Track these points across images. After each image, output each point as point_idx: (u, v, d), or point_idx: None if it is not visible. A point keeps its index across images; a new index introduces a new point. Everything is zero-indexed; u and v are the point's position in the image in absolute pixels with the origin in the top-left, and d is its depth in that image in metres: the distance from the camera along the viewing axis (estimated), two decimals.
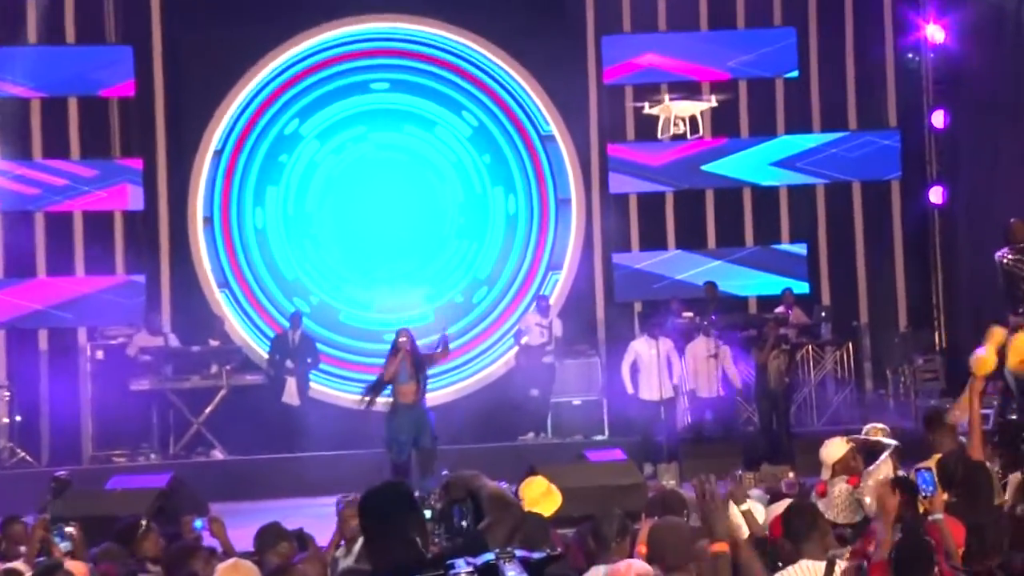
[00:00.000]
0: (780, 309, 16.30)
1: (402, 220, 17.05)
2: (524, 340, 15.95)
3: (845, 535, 6.78)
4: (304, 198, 17.02)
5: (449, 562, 2.76)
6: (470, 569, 2.65)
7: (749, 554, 5.42)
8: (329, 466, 13.84)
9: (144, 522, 8.07)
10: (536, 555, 2.73)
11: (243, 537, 8.23)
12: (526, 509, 6.96)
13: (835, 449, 7.97)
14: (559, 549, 3.17)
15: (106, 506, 10.39)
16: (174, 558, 6.75)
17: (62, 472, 9.86)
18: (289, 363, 15.41)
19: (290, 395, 15.33)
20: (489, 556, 2.67)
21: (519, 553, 2.67)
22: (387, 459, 12.95)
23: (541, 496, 7.64)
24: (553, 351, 15.83)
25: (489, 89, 17.31)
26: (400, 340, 12.92)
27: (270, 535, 7.61)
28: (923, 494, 6.30)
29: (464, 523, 3.94)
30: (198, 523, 8.17)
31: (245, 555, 7.52)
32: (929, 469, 6.58)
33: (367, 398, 12.82)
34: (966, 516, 6.55)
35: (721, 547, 4.04)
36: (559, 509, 7.97)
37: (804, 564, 5.96)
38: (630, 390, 14.73)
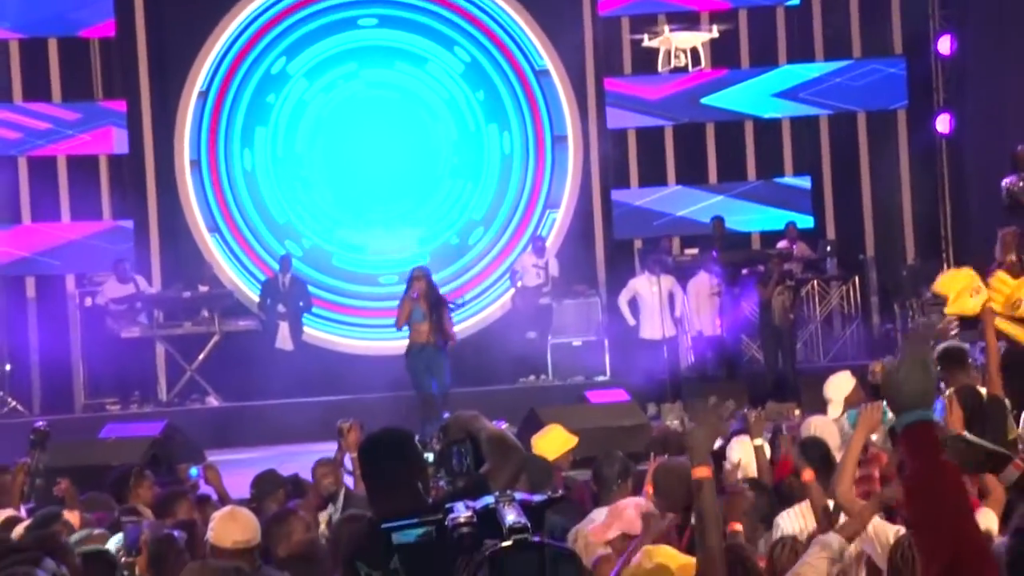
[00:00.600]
0: (784, 244, 16.20)
1: (395, 160, 16.89)
2: (520, 283, 15.84)
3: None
4: (294, 139, 16.83)
5: (448, 506, 2.68)
6: (469, 513, 2.59)
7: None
8: (325, 411, 13.76)
9: (137, 470, 8.02)
10: (536, 498, 2.67)
11: (239, 484, 8.18)
12: (543, 454, 6.92)
13: (844, 383, 7.86)
14: (560, 492, 3.09)
15: (100, 455, 10.38)
16: (161, 504, 6.72)
17: (41, 423, 9.79)
18: (281, 307, 15.30)
19: (283, 340, 15.25)
20: (488, 499, 2.59)
21: (519, 496, 2.60)
22: (387, 403, 12.98)
23: (562, 445, 7.60)
24: (550, 292, 15.72)
25: (481, 23, 17.08)
26: (415, 280, 12.57)
27: (267, 482, 7.58)
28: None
29: (463, 465, 3.87)
30: (193, 471, 8.15)
31: (241, 502, 7.47)
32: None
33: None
34: None
35: (703, 472, 3.92)
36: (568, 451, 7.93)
37: None
38: (631, 322, 14.66)
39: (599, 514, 6.32)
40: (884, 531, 5.15)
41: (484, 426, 4.12)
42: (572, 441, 7.80)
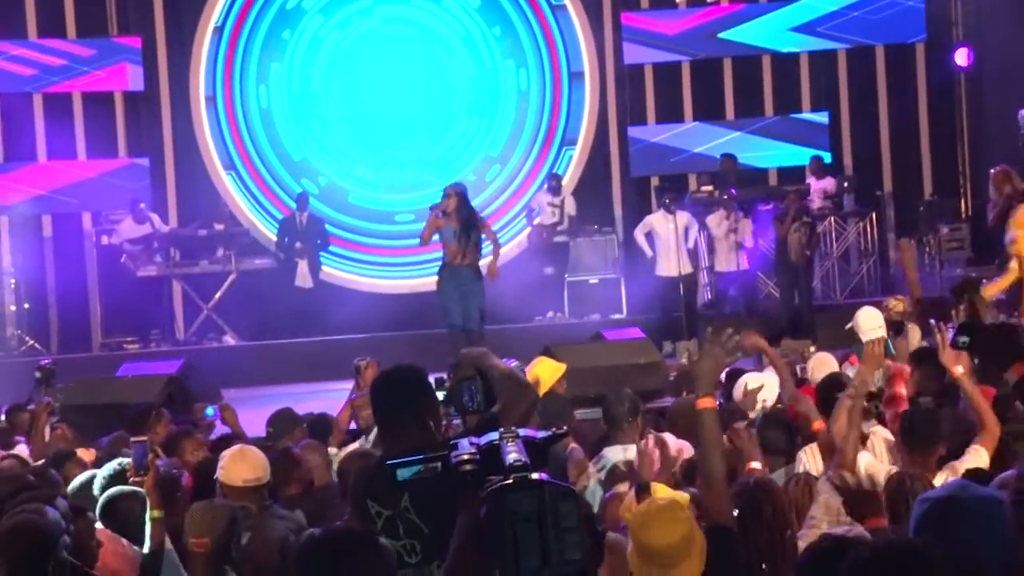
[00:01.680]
0: (811, 180, 16.11)
1: (411, 97, 16.85)
2: (537, 220, 15.85)
3: (868, 407, 6.74)
4: (309, 75, 16.79)
5: (453, 442, 2.73)
6: (473, 450, 2.62)
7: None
8: (341, 350, 13.84)
9: (156, 409, 8.11)
10: (540, 434, 2.70)
11: (256, 422, 8.28)
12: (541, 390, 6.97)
13: (873, 319, 7.84)
14: (564, 428, 3.12)
15: (117, 393, 10.41)
16: (167, 445, 6.81)
17: (46, 360, 9.89)
18: (299, 245, 15.35)
19: (303, 278, 15.30)
20: (493, 436, 2.63)
21: (522, 432, 2.64)
22: (404, 341, 12.99)
23: (552, 375, 7.66)
24: (566, 230, 15.74)
25: None
26: (447, 196, 11.59)
27: (284, 420, 7.65)
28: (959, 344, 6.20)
29: (473, 402, 3.91)
30: (209, 410, 8.22)
31: (257, 441, 7.57)
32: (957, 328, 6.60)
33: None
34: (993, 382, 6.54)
35: (706, 402, 3.96)
36: (570, 388, 7.99)
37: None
38: (648, 253, 14.67)
39: (613, 452, 6.40)
40: (875, 471, 5.21)
41: (495, 364, 4.13)
42: (560, 369, 7.85)
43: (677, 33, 17.01)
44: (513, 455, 2.47)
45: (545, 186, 16.06)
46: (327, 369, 13.30)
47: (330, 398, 11.25)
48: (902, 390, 6.49)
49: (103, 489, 5.42)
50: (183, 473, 5.79)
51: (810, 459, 5.76)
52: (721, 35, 17.06)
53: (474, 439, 2.64)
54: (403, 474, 2.78)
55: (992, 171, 12.47)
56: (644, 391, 7.53)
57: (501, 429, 2.60)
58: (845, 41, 17.16)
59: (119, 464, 5.58)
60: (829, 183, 16.29)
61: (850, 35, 17.12)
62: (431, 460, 2.77)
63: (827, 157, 16.91)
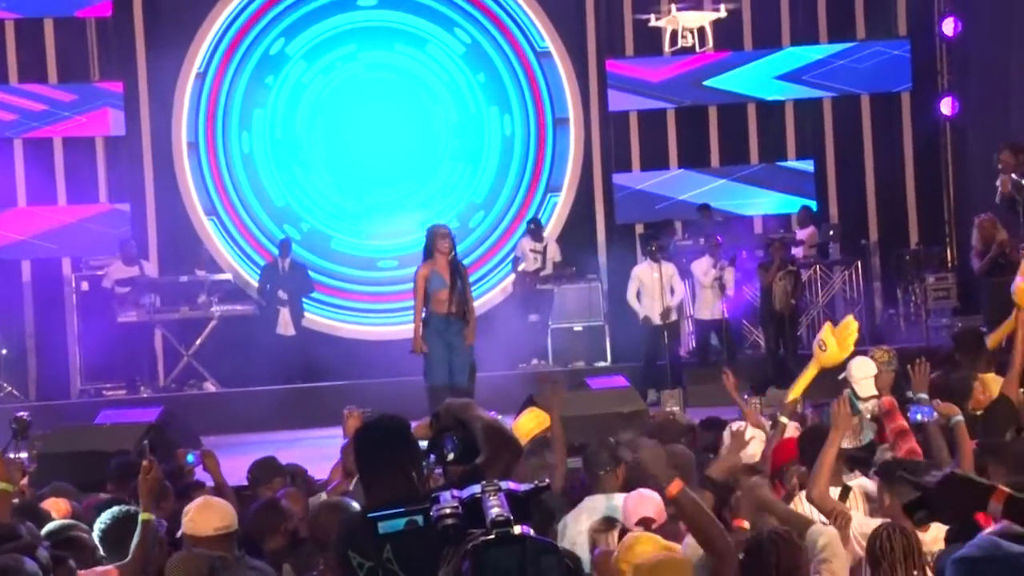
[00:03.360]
0: (800, 232, 16.21)
1: (395, 143, 16.92)
2: (521, 267, 15.91)
3: (857, 457, 6.77)
4: (292, 121, 16.87)
5: (435, 495, 2.75)
6: (455, 503, 2.64)
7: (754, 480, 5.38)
8: (322, 398, 13.83)
9: (146, 457, 8.07)
10: (522, 487, 2.71)
11: (236, 470, 8.26)
12: (522, 439, 6.97)
13: (866, 369, 7.88)
14: (547, 480, 3.13)
15: (95, 441, 10.35)
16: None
17: (22, 412, 9.87)
18: (282, 293, 15.37)
19: (284, 325, 15.31)
20: (475, 489, 2.65)
21: (504, 485, 2.65)
22: (387, 389, 12.94)
23: (537, 427, 7.66)
24: (550, 276, 15.79)
25: (482, 3, 17.10)
26: (440, 237, 10.78)
27: (264, 469, 7.62)
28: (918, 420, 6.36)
29: (455, 454, 3.91)
30: (190, 457, 8.18)
31: (239, 489, 7.56)
32: (918, 403, 6.62)
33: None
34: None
35: (675, 487, 3.98)
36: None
37: None
38: (642, 315, 14.66)
39: (593, 502, 6.40)
40: (868, 527, 5.22)
41: (478, 415, 4.10)
42: (545, 421, 7.83)
43: (662, 80, 17.13)
44: (496, 510, 2.49)
45: (527, 232, 16.12)
46: (308, 417, 13.30)
47: (313, 446, 11.25)
48: (903, 422, 6.53)
49: (104, 529, 5.45)
50: (162, 523, 5.78)
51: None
52: (706, 83, 17.19)
53: (456, 492, 2.66)
54: (385, 527, 2.80)
55: (977, 219, 12.58)
56: None
57: (484, 482, 2.62)
58: (831, 89, 17.30)
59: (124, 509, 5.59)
60: (810, 232, 16.37)
61: (836, 83, 17.26)
62: (413, 513, 2.78)
63: (813, 205, 17.01)
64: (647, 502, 5.37)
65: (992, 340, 8.30)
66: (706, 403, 11.80)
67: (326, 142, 16.91)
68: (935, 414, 6.42)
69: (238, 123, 16.76)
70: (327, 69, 16.90)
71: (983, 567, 2.88)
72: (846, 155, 17.32)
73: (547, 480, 3.08)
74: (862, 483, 6.13)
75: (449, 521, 2.62)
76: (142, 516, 5.06)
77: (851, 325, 8.21)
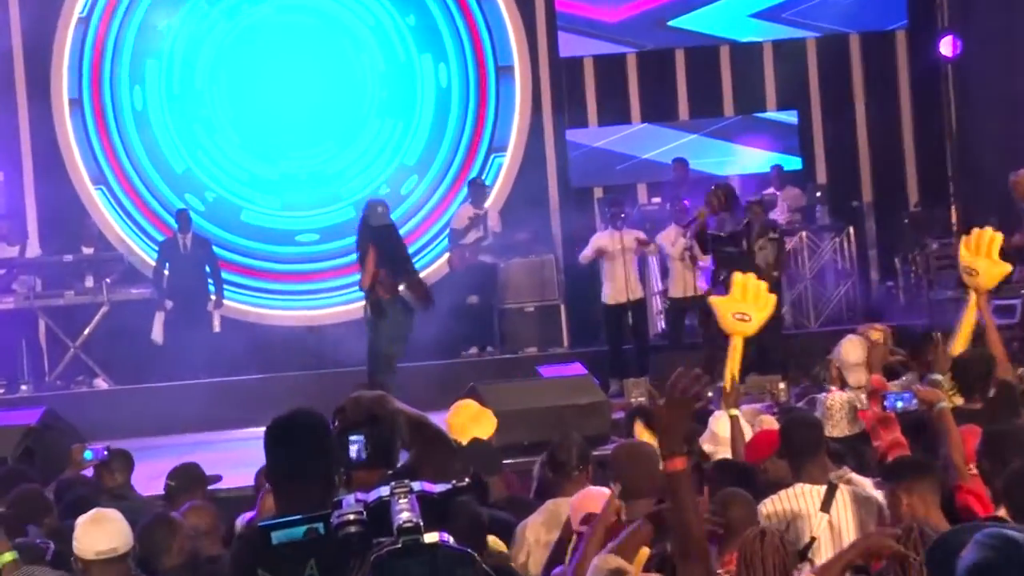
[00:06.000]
0: (769, 191, 16.28)
1: (312, 97, 16.87)
2: (461, 240, 15.83)
3: (839, 451, 6.81)
4: (192, 73, 16.76)
5: (337, 499, 2.69)
6: (359, 508, 2.58)
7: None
8: (233, 394, 13.79)
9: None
10: (439, 488, 2.66)
11: (138, 479, 8.27)
12: (458, 438, 6.96)
13: (858, 350, 7.90)
14: (467, 480, 3.06)
15: None
16: (21, 510, 6.65)
17: None
18: (168, 302, 15.16)
19: (156, 332, 15.20)
20: (383, 490, 2.59)
21: (417, 487, 2.60)
22: (307, 382, 12.95)
23: (470, 421, 7.65)
24: (491, 248, 15.71)
25: None
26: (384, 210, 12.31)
27: (186, 477, 7.58)
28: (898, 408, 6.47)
29: (360, 456, 3.81)
30: (88, 453, 8.13)
31: (154, 499, 7.55)
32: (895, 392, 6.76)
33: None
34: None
35: (678, 464, 3.86)
36: (499, 434, 7.98)
37: (801, 488, 5.95)
38: (604, 293, 14.61)
39: (555, 505, 6.37)
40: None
41: (397, 408, 4.01)
42: (484, 416, 7.84)
43: (620, 20, 17.15)
44: (404, 515, 2.45)
45: (467, 197, 16.03)
46: (217, 416, 13.26)
47: (224, 449, 11.23)
48: (898, 435, 6.63)
49: None
50: (49, 544, 5.72)
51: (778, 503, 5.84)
52: (672, 23, 17.22)
53: (360, 495, 2.61)
54: (280, 536, 2.74)
55: (1013, 177, 12.57)
56: (586, 437, 7.49)
57: (393, 483, 2.57)
58: (815, 29, 17.38)
59: None
60: (795, 194, 16.40)
61: (820, 22, 17.35)
62: (312, 520, 2.72)
63: (797, 163, 17.07)
64: (592, 498, 5.37)
65: (956, 345, 8.34)
66: None
67: (232, 97, 16.83)
68: (915, 401, 6.52)
69: (128, 76, 16.63)
70: (231, 11, 16.79)
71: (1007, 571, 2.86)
72: (834, 104, 17.41)
73: (466, 479, 3.01)
74: (855, 480, 6.16)
75: (352, 529, 2.58)
76: (4, 557, 4.95)
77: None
